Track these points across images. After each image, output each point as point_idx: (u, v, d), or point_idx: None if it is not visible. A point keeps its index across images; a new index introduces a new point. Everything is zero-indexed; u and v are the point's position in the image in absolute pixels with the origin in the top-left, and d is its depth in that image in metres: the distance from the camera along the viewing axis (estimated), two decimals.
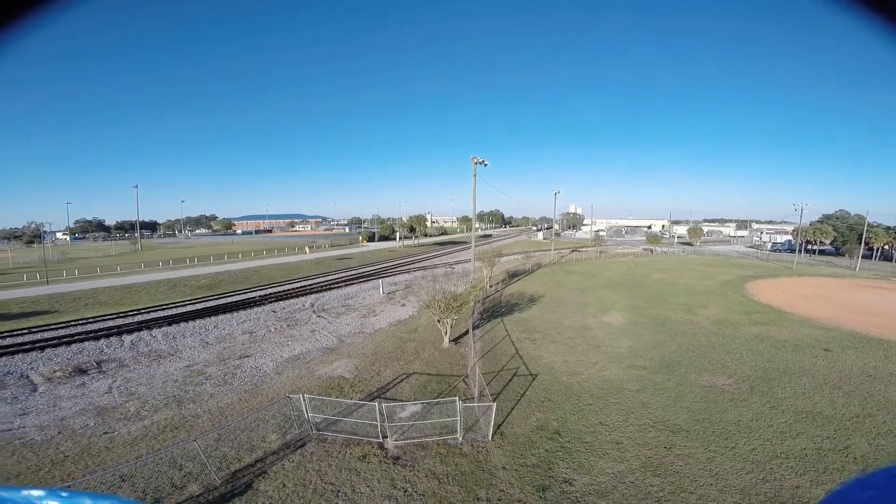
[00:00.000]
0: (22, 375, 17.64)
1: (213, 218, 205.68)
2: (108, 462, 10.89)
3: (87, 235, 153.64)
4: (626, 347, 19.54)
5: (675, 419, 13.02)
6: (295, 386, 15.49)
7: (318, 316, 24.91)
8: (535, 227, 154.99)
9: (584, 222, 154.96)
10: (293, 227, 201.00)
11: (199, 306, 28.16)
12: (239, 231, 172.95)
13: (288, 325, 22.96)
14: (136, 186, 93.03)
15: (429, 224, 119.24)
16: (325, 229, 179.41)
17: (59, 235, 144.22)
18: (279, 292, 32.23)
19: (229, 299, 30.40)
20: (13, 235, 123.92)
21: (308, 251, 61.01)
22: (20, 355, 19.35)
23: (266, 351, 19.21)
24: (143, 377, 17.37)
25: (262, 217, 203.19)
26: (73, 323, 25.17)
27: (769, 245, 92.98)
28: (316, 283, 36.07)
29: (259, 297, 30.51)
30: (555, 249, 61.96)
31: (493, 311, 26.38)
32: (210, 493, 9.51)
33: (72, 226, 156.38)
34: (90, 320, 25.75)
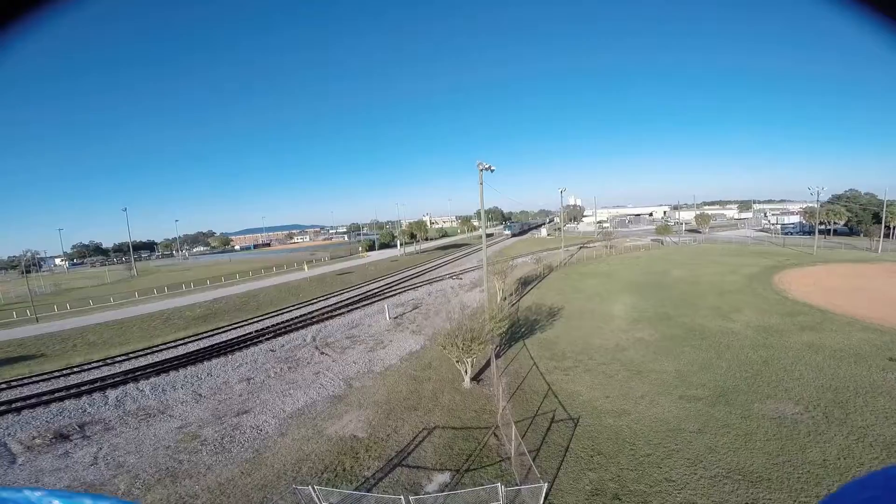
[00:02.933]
0: None
1: (211, 234, 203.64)
2: None
3: (84, 261, 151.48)
4: (671, 372, 17.34)
5: (751, 465, 11.04)
6: (302, 452, 13.34)
7: (322, 353, 22.66)
8: (507, 233, 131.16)
9: (585, 213, 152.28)
10: (291, 238, 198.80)
11: (192, 347, 25.95)
12: (237, 247, 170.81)
13: (289, 368, 20.76)
14: (125, 209, 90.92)
15: (428, 226, 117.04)
16: (324, 239, 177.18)
17: (57, 262, 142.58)
18: (278, 324, 30.00)
19: (224, 336, 28.12)
20: (10, 266, 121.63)
21: (307, 268, 58.90)
22: None
23: (266, 403, 17.05)
24: (132, 442, 15.34)
25: (260, 230, 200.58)
26: (55, 374, 23.07)
27: (779, 228, 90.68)
28: (317, 310, 33.80)
29: (256, 332, 28.25)
30: (563, 248, 59.74)
31: (512, 330, 24.17)
32: None
33: (69, 251, 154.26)
34: (74, 369, 23.66)
